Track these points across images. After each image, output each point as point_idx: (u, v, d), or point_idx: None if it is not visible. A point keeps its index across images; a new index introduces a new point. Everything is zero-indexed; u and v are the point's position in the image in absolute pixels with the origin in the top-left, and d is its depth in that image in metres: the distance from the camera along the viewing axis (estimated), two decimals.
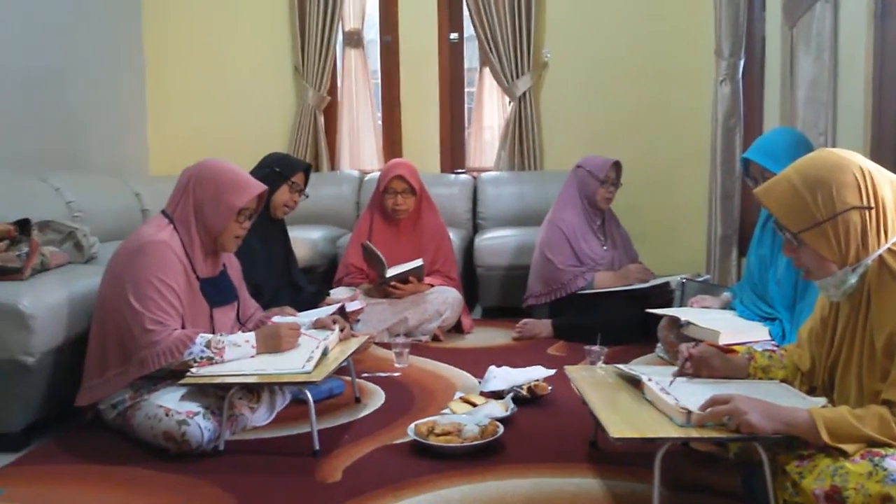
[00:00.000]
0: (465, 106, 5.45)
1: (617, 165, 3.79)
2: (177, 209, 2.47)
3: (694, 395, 1.76)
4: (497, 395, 2.61)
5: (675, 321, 2.89)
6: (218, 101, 5.29)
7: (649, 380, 1.90)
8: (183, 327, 2.33)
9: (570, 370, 2.23)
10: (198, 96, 5.30)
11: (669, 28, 4.94)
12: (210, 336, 2.32)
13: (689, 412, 1.68)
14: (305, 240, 4.19)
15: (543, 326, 3.66)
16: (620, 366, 2.14)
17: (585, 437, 2.26)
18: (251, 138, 5.10)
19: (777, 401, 1.66)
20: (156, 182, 4.70)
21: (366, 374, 2.99)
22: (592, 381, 2.10)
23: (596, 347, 2.88)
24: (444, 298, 3.66)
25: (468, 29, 5.26)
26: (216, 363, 2.28)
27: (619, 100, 5.03)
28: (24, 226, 2.60)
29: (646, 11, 4.98)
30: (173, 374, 2.30)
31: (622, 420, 1.75)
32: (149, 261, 2.30)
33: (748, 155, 2.64)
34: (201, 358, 2.26)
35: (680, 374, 1.95)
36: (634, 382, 2.01)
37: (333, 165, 5.34)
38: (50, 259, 2.62)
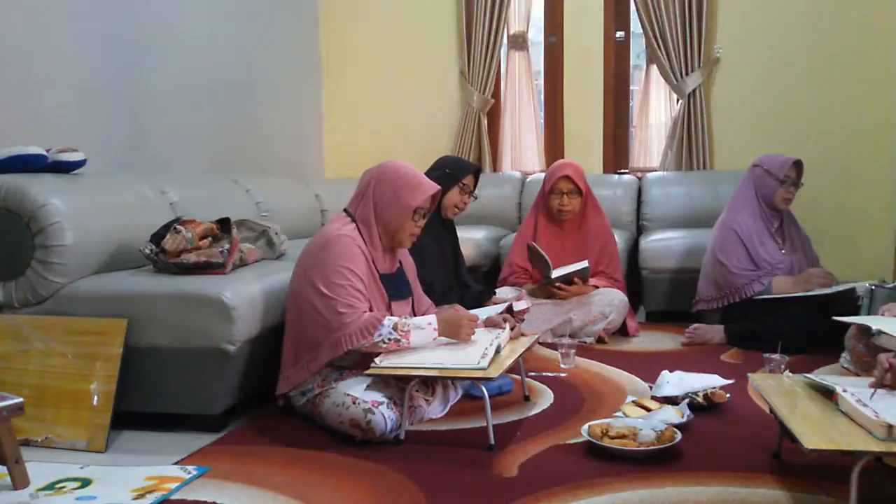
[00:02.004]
0: (630, 105, 5.37)
1: (798, 164, 3.61)
2: (358, 208, 2.60)
3: (895, 407, 1.67)
4: (671, 401, 2.57)
5: (865, 330, 2.73)
6: (387, 107, 5.51)
7: (844, 391, 1.81)
8: None
9: (755, 378, 2.16)
10: (369, 103, 5.54)
11: (853, 19, 4.65)
12: (396, 319, 2.43)
13: (892, 426, 1.59)
14: (469, 240, 4.28)
15: (715, 332, 3.54)
16: (811, 375, 2.05)
17: (767, 447, 2.18)
18: (417, 142, 5.28)
19: None
20: (332, 184, 4.96)
21: (532, 374, 3.02)
22: (779, 390, 2.02)
23: (776, 356, 2.76)
24: (609, 300, 3.63)
25: (634, 26, 5.19)
26: (402, 345, 2.39)
27: (796, 96, 4.79)
28: (224, 224, 2.82)
29: (827, 1, 4.70)
30: (359, 364, 2.43)
31: (815, 431, 1.68)
32: (336, 252, 2.44)
33: None
34: (389, 339, 2.38)
35: (879, 385, 1.84)
36: (825, 393, 1.92)
37: (495, 167, 5.41)
38: (247, 255, 2.84)
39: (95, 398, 2.38)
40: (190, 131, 4.04)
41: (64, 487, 2.03)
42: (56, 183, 2.69)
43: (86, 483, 2.06)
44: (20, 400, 2.01)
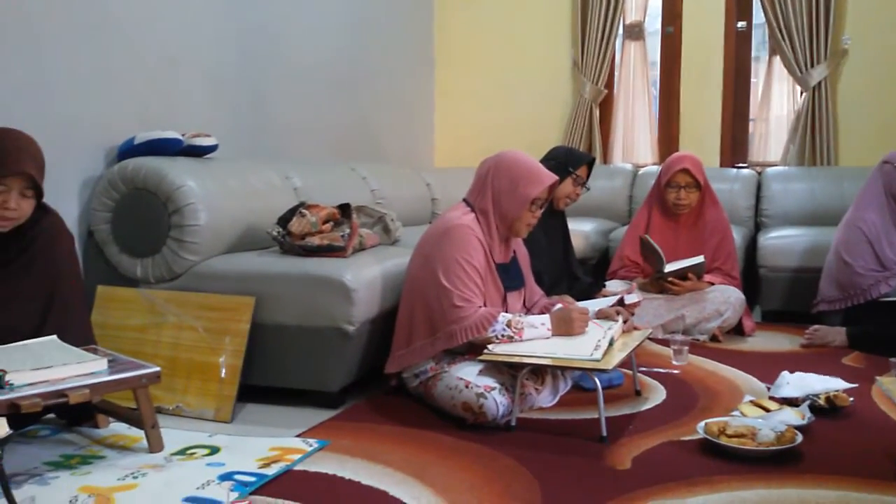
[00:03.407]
0: (750, 97, 5.20)
1: None
2: (477, 198, 2.64)
3: None
4: (790, 402, 2.49)
5: None
6: (498, 97, 5.53)
7: None
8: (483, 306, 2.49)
9: (885, 381, 2.07)
10: (480, 93, 5.58)
11: None
12: (510, 316, 2.46)
13: None
14: (578, 232, 4.24)
15: (836, 334, 3.40)
16: None
17: (894, 454, 2.09)
18: (527, 132, 5.28)
19: None
20: (442, 173, 5.03)
21: (643, 369, 2.99)
22: None
23: None
24: (725, 298, 3.54)
25: (757, 16, 5.02)
26: (515, 342, 2.42)
27: None
28: (345, 209, 2.92)
29: None
30: (472, 349, 2.47)
31: None
32: (456, 242, 2.49)
33: None
34: (502, 335, 2.41)
35: None
36: None
37: (606, 159, 5.35)
38: (366, 240, 2.92)
39: (223, 371, 2.52)
40: (310, 119, 4.18)
41: (195, 453, 2.16)
42: (190, 166, 2.85)
43: (214, 450, 2.18)
44: (157, 369, 2.14)
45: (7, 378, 1.87)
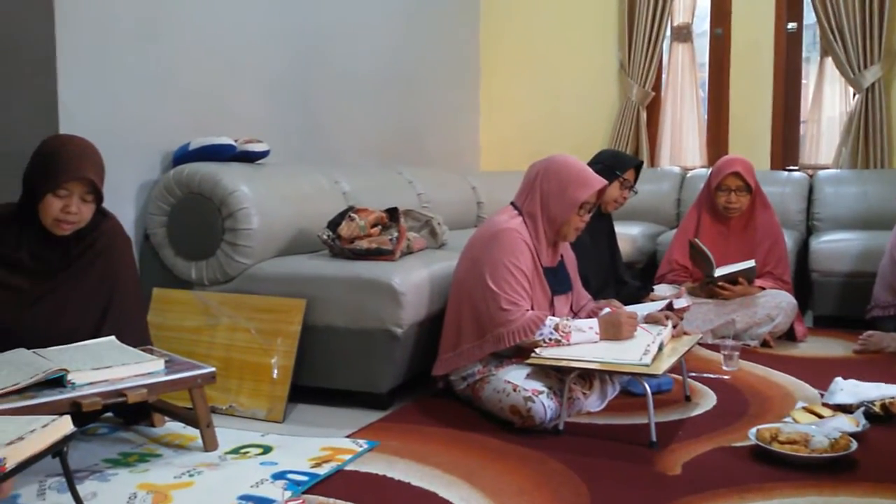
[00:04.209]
0: (801, 98, 5.11)
1: None
2: (525, 201, 2.64)
3: None
4: (844, 409, 2.45)
5: None
6: (544, 100, 5.52)
7: None
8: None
9: None
10: (525, 96, 5.57)
11: None
12: (558, 319, 2.46)
13: None
14: (625, 235, 4.21)
15: (891, 340, 3.33)
16: None
17: None
18: (573, 135, 5.26)
19: None
20: (487, 176, 5.05)
21: (693, 374, 2.96)
22: None
23: None
24: (776, 303, 3.49)
25: (808, 17, 4.94)
26: (562, 345, 2.42)
27: None
28: (392, 213, 2.95)
29: None
30: (519, 353, 2.48)
31: None
32: (503, 246, 2.50)
33: None
34: (550, 339, 2.42)
35: None
36: None
37: (653, 162, 5.30)
38: (413, 243, 2.95)
39: (275, 372, 2.57)
40: (357, 124, 4.23)
41: (248, 452, 2.21)
42: (243, 171, 2.91)
43: (267, 450, 2.22)
44: (213, 369, 2.19)
45: (69, 377, 1.93)
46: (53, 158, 2.17)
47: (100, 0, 2.74)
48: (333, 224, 2.83)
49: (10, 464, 1.41)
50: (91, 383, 1.96)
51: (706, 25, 5.24)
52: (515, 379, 2.42)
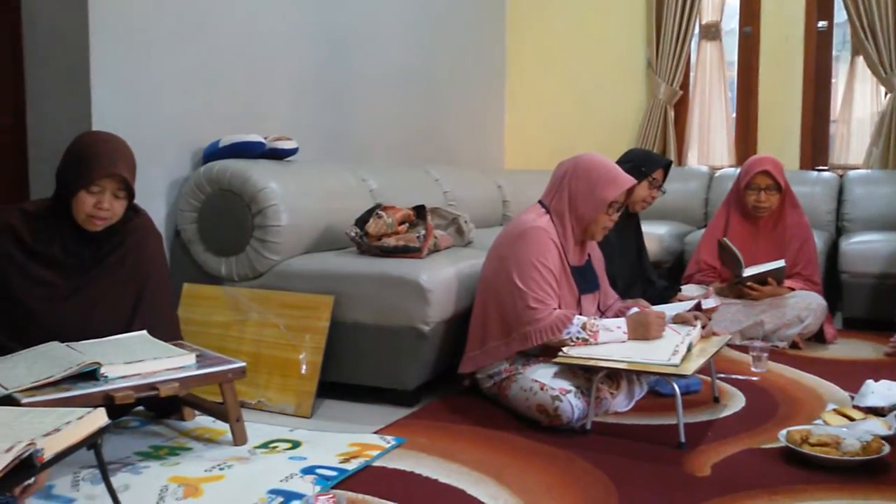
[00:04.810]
0: (831, 98, 5.06)
1: None
2: (553, 199, 2.64)
3: None
4: (876, 412, 2.42)
5: None
6: (570, 99, 5.50)
7: None
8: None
9: None
10: (551, 94, 5.56)
11: None
12: (585, 318, 2.46)
13: None
14: (652, 235, 4.19)
15: None
16: None
17: None
18: (599, 134, 5.25)
19: None
20: (512, 175, 5.03)
21: (721, 375, 2.94)
22: None
23: None
24: (806, 304, 3.45)
25: (839, 15, 4.88)
26: (590, 345, 2.41)
27: None
28: (419, 211, 2.96)
29: None
30: (545, 352, 2.48)
31: None
32: (531, 245, 2.50)
33: None
34: (577, 338, 2.41)
35: None
36: None
37: (681, 161, 5.27)
38: (440, 241, 2.96)
39: (303, 367, 2.58)
40: (384, 122, 4.25)
41: (277, 447, 2.22)
42: (273, 168, 2.93)
43: (296, 445, 2.24)
44: (243, 364, 2.21)
45: (102, 371, 1.96)
46: (86, 155, 2.20)
47: (132, 1, 2.77)
48: (361, 221, 2.84)
49: (47, 455, 1.42)
50: (123, 377, 1.98)
51: (735, 23, 5.20)
52: (542, 377, 2.41)
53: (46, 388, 1.86)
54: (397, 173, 3.79)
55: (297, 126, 3.49)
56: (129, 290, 2.33)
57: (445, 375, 2.77)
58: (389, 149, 4.28)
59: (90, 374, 1.94)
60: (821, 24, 4.93)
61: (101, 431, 1.63)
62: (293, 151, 3.10)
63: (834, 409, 2.43)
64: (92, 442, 1.61)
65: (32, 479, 1.47)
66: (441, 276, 2.65)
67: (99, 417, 1.63)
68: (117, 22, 2.71)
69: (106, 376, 1.96)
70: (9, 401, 1.80)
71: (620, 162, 3.37)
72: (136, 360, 2.04)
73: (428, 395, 2.71)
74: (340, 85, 3.89)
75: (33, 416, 1.60)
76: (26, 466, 1.38)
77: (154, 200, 2.85)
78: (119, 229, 2.30)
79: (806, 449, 2.10)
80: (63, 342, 2.13)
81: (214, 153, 2.97)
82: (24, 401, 1.78)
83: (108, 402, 1.90)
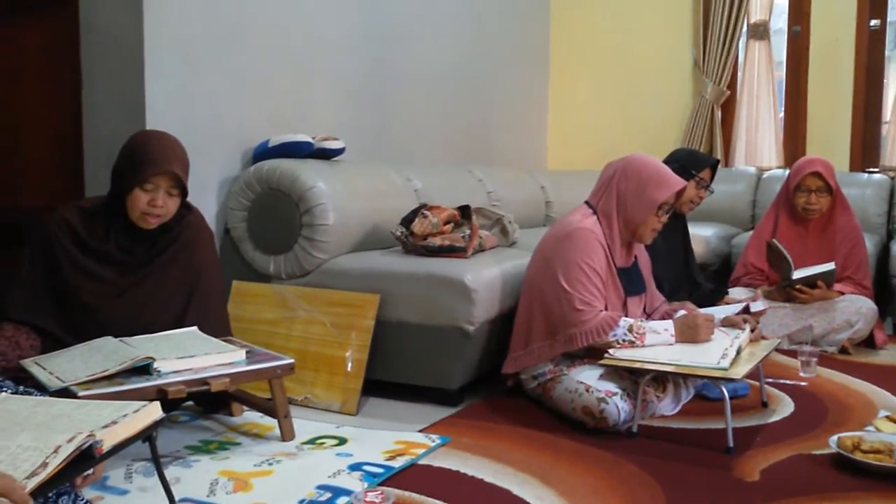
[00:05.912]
0: (883, 98, 4.94)
1: None
2: (600, 200, 2.62)
3: None
4: None
5: None
6: (615, 99, 5.46)
7: None
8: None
9: None
10: (596, 95, 5.53)
11: None
12: (632, 321, 2.44)
13: None
14: (699, 237, 4.14)
15: None
16: None
17: None
18: (645, 134, 5.20)
19: None
20: (555, 175, 5.02)
21: (769, 380, 2.89)
22: None
23: None
24: (856, 308, 3.38)
25: (892, 13, 4.77)
26: (636, 347, 2.39)
27: None
28: (464, 211, 2.97)
29: None
30: (590, 353, 2.47)
31: None
32: (577, 246, 2.49)
33: None
34: (623, 340, 2.39)
35: None
36: None
37: (728, 162, 5.20)
38: (485, 241, 2.96)
39: (349, 365, 2.61)
40: (428, 123, 4.27)
41: (324, 443, 2.25)
42: (320, 168, 2.96)
43: (342, 441, 2.26)
44: (292, 361, 2.23)
45: (155, 365, 2.00)
46: (141, 153, 2.25)
47: (186, 2, 2.82)
48: (407, 221, 2.86)
49: (105, 447, 1.46)
50: (175, 371, 2.02)
51: (783, 23, 5.11)
52: (588, 379, 2.40)
53: (101, 382, 1.91)
54: (441, 173, 3.80)
55: (344, 126, 3.53)
56: (181, 287, 2.37)
57: (489, 375, 2.77)
58: (433, 149, 4.30)
59: (143, 369, 1.99)
60: (873, 22, 4.82)
61: (157, 424, 1.66)
62: (340, 151, 3.13)
63: (886, 416, 2.39)
64: (147, 435, 1.64)
65: (91, 469, 1.51)
66: (486, 276, 2.65)
67: (154, 411, 1.66)
68: (171, 27, 2.77)
69: (159, 371, 2.00)
70: (66, 393, 1.84)
71: (666, 162, 3.32)
72: (187, 355, 2.07)
73: (471, 395, 2.72)
74: (385, 85, 3.92)
75: (91, 408, 1.64)
76: (86, 457, 1.42)
77: (205, 199, 2.90)
78: (172, 227, 2.34)
79: (858, 456, 2.06)
80: (116, 337, 2.17)
81: (264, 153, 3.01)
82: (81, 394, 1.83)
83: (160, 396, 1.94)
